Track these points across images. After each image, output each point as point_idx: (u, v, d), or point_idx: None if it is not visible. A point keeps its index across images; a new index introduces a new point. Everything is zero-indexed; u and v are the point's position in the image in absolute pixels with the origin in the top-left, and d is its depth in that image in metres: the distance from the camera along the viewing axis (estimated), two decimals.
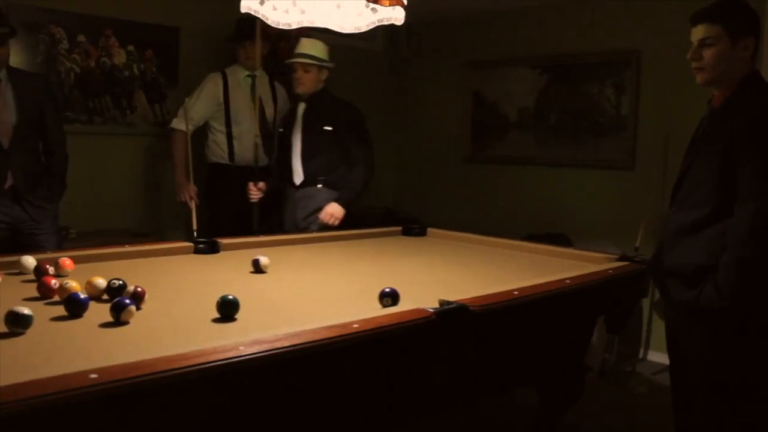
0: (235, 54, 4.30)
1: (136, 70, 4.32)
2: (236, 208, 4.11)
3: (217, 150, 4.25)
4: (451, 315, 1.83)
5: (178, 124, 4.11)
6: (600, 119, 4.70)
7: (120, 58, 4.26)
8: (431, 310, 1.81)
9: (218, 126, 4.22)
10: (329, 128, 3.82)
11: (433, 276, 2.53)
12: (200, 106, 4.15)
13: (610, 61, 4.61)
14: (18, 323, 1.65)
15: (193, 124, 4.10)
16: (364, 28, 2.70)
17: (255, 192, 3.92)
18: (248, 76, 4.26)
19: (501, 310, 2.00)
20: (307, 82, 3.83)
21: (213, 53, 4.60)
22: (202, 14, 4.57)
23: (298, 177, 3.90)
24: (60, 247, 3.38)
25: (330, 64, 3.89)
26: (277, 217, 4.07)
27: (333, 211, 3.72)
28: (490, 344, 2.07)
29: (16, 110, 3.30)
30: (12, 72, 3.35)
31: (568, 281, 2.33)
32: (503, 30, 5.19)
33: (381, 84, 5.76)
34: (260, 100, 4.23)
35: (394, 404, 1.88)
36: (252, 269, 2.51)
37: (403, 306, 1.88)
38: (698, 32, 2.16)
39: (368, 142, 3.93)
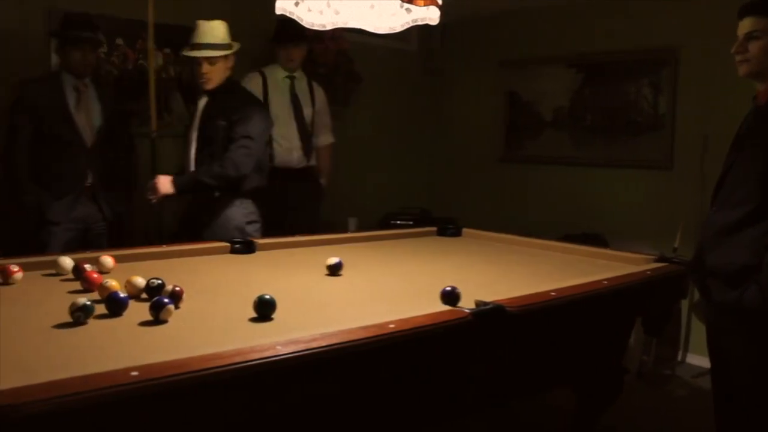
0: (274, 54, 4.30)
1: (172, 72, 4.38)
2: (275, 209, 4.13)
3: None
4: (487, 315, 1.82)
5: None
6: (637, 118, 4.63)
7: (158, 60, 4.31)
8: (468, 311, 1.80)
9: None
10: (223, 122, 3.34)
11: (469, 276, 2.52)
12: None
13: (648, 59, 4.54)
14: (82, 312, 1.74)
15: None
16: (398, 29, 2.69)
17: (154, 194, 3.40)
18: (287, 77, 4.26)
19: (538, 311, 1.99)
20: (214, 77, 3.37)
21: (247, 54, 4.63)
22: (236, 16, 4.59)
23: None
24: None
25: (237, 47, 3.44)
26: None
27: (158, 182, 3.29)
28: (527, 345, 2.06)
29: (101, 113, 3.51)
30: (94, 79, 3.55)
31: (605, 282, 2.31)
32: (538, 28, 5.15)
33: (415, 84, 5.76)
34: (298, 100, 4.23)
35: (430, 404, 1.87)
36: (327, 272, 2.50)
37: (440, 306, 1.87)
38: (745, 25, 2.12)
39: (254, 139, 3.36)
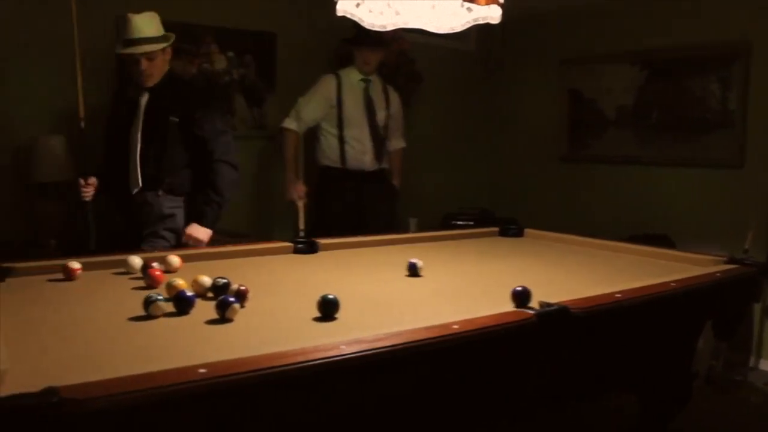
0: (350, 56, 4.30)
1: (235, 75, 4.46)
2: (347, 212, 4.14)
3: (329, 153, 4.24)
4: (551, 317, 1.79)
5: (289, 123, 4.18)
6: (705, 115, 4.50)
7: (220, 63, 4.40)
8: (532, 312, 1.78)
9: (330, 128, 4.21)
10: (175, 119, 3.21)
11: (532, 277, 2.48)
12: (313, 106, 4.17)
13: (716, 54, 4.40)
14: (154, 304, 1.84)
15: (304, 124, 4.17)
16: (459, 28, 2.68)
17: (86, 188, 3.19)
18: (362, 80, 4.25)
19: (603, 312, 1.95)
20: (155, 72, 3.20)
21: (309, 57, 4.69)
22: (298, 19, 4.66)
23: (135, 183, 3.24)
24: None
25: (172, 37, 3.25)
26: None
27: (196, 235, 3.19)
28: (592, 347, 2.02)
29: None
30: None
31: (673, 284, 2.25)
32: (600, 25, 5.06)
33: (475, 83, 5.72)
34: (372, 104, 4.23)
35: (491, 406, 1.86)
36: (407, 273, 2.49)
37: (503, 307, 1.86)
38: None
39: (227, 132, 3.37)
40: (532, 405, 1.99)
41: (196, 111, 3.24)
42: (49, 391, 1.15)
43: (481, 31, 5.37)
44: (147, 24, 3.12)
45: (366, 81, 4.25)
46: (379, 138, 4.26)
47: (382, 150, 4.30)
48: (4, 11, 3.75)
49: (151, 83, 3.22)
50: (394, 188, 4.48)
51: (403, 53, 4.85)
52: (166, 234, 3.28)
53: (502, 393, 1.86)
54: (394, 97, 4.43)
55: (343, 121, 4.18)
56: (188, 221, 3.27)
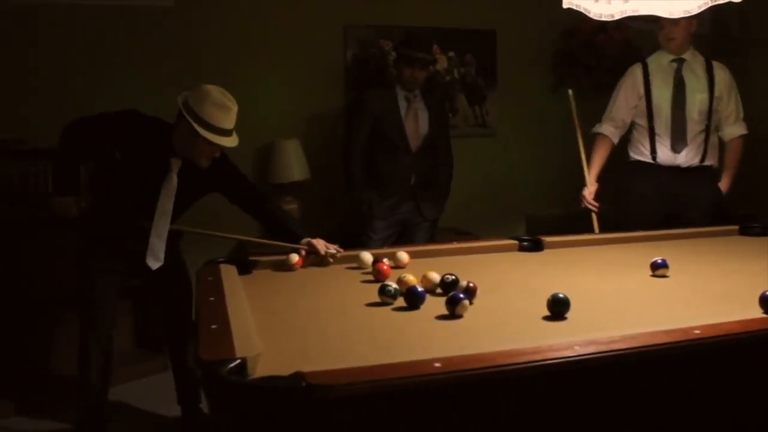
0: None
1: (456, 74, 4.53)
2: (657, 211, 3.68)
3: (639, 146, 3.73)
4: None
5: (601, 127, 3.80)
6: None
7: (442, 63, 4.50)
8: None
9: (640, 121, 3.70)
10: (201, 188, 2.87)
11: None
12: (621, 103, 3.73)
13: None
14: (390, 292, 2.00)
15: (618, 126, 3.77)
16: (695, 11, 2.51)
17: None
18: (673, 60, 3.66)
19: None
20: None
21: (529, 53, 4.64)
22: (517, 15, 4.63)
23: (156, 259, 2.79)
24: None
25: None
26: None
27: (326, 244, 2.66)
28: None
29: (429, 122, 3.82)
30: (422, 90, 3.85)
31: None
32: None
33: None
34: (684, 87, 3.62)
35: (730, 425, 1.70)
36: (651, 272, 2.38)
37: (751, 313, 1.71)
38: None
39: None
40: None
41: (225, 175, 2.87)
42: (298, 376, 1.25)
43: (716, 11, 4.98)
44: (233, 113, 2.69)
45: (678, 61, 3.64)
46: (694, 127, 3.61)
47: (702, 142, 3.64)
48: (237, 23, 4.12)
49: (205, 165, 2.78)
50: (717, 191, 3.76)
51: (628, 42, 4.62)
52: None
53: (754, 411, 1.69)
54: (722, 75, 3.69)
55: (652, 111, 3.64)
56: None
